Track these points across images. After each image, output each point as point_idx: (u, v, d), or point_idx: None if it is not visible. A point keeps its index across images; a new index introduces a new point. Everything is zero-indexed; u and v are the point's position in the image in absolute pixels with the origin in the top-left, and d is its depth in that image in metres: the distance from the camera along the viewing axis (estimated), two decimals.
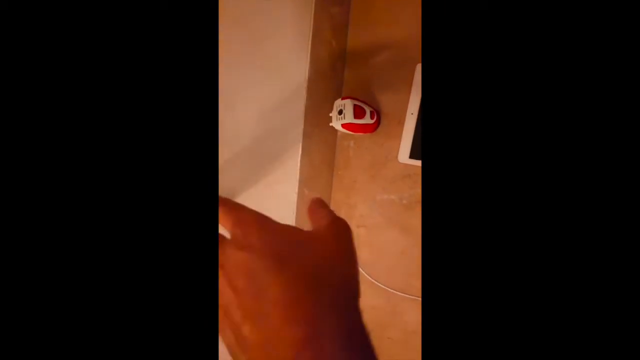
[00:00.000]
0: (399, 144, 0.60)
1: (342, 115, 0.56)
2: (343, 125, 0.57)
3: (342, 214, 0.60)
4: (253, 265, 0.19)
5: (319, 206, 0.26)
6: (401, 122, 0.59)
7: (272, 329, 0.17)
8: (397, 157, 0.61)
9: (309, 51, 0.59)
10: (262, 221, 0.21)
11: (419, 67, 0.58)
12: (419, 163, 0.58)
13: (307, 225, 0.25)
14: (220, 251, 0.21)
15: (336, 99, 0.60)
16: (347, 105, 0.56)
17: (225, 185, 0.49)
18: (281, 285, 0.18)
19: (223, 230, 0.22)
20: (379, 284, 0.59)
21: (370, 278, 0.59)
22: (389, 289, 0.59)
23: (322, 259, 0.20)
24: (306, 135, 0.61)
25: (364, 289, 0.19)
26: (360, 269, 0.60)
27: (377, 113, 0.61)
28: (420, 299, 0.57)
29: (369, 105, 0.60)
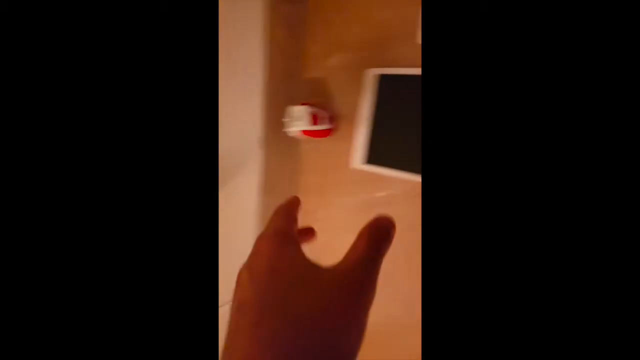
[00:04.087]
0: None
1: (298, 121, 0.56)
2: (299, 132, 0.58)
3: (302, 218, 0.60)
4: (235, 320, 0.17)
5: (370, 233, 0.20)
6: (357, 126, 0.60)
7: None
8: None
9: (262, 55, 0.58)
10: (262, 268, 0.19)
11: (369, 72, 0.58)
12: (374, 169, 0.59)
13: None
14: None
15: (293, 104, 0.60)
16: (303, 111, 0.56)
17: None
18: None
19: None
20: None
21: None
22: None
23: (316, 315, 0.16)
24: (264, 142, 0.60)
25: None
26: None
27: (333, 117, 0.62)
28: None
29: (325, 110, 0.60)
